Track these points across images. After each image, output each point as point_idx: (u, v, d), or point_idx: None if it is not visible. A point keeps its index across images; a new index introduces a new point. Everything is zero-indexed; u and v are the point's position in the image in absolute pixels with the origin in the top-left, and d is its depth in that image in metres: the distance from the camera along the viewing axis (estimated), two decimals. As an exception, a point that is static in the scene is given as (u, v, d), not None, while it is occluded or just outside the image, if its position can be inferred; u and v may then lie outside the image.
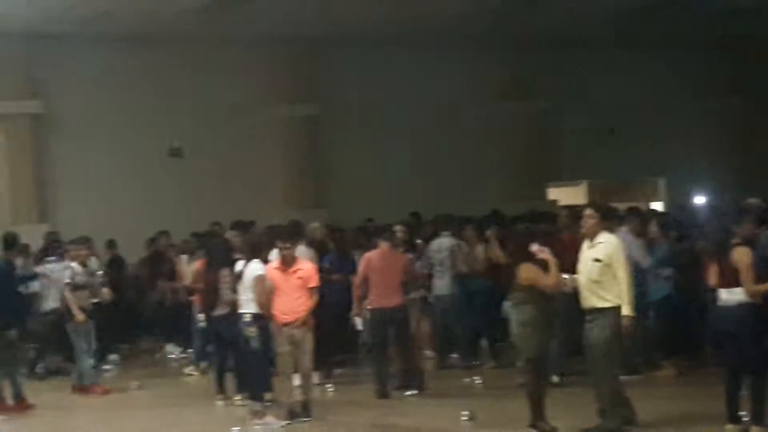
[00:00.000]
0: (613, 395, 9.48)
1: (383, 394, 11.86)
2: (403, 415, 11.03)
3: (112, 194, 19.76)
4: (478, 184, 21.91)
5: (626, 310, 9.36)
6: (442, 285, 13.86)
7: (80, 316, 13.20)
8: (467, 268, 13.84)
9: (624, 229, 12.28)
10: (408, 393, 11.93)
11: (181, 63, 20.52)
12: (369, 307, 12.09)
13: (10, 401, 12.24)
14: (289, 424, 10.62)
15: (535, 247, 9.45)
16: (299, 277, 10.81)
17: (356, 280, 12.32)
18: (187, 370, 14.51)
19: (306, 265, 11.05)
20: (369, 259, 12.16)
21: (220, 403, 11.92)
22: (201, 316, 12.32)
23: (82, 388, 13.31)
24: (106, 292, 14.27)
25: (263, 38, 20.55)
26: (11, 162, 19.56)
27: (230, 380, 12.04)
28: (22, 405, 12.26)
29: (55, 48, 19.51)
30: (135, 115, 20.19)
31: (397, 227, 13.52)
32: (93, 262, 14.87)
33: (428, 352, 14.57)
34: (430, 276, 14.05)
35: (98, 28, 18.84)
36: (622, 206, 15.69)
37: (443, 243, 13.99)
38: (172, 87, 20.45)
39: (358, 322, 12.18)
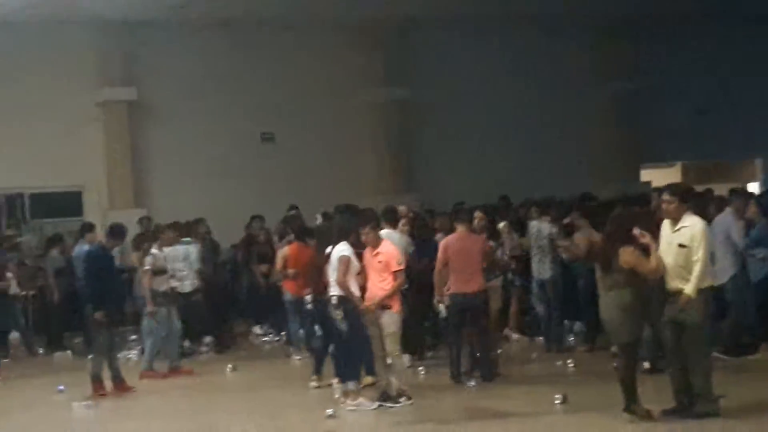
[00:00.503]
0: (707, 378, 9.35)
1: (456, 379, 11.76)
2: (495, 398, 11.00)
3: (205, 179, 20.06)
4: (570, 167, 21.70)
5: (689, 290, 9.20)
6: (542, 269, 13.80)
7: (151, 308, 13.55)
8: (567, 252, 13.61)
9: (729, 209, 12.26)
10: (471, 383, 11.71)
11: (273, 48, 20.73)
12: (448, 292, 11.86)
13: (108, 383, 12.43)
14: (380, 406, 10.69)
15: (636, 231, 9.33)
16: (380, 261, 10.84)
17: (437, 265, 12.00)
18: (297, 356, 14.47)
19: (387, 249, 10.98)
20: (447, 244, 11.94)
21: (313, 384, 11.97)
22: (308, 299, 12.35)
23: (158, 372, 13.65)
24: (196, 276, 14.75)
25: (355, 22, 20.64)
26: (108, 148, 20.00)
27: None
28: (121, 387, 12.48)
29: (149, 35, 19.90)
30: (228, 101, 20.46)
31: (477, 213, 13.44)
32: (191, 248, 15.32)
33: (515, 335, 14.53)
34: (518, 259, 13.99)
35: (191, 14, 19.18)
36: (719, 187, 15.48)
37: (543, 227, 13.91)
38: (264, 72, 20.68)
39: (442, 309, 11.91)
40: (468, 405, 10.81)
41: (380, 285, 10.80)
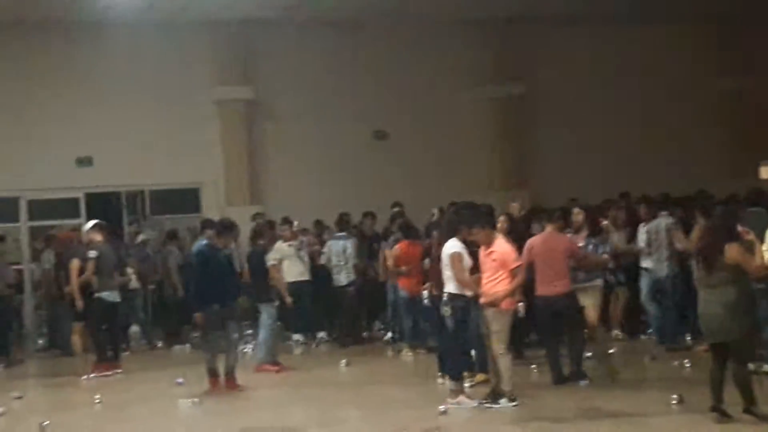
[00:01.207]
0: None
1: (559, 381, 11.53)
2: (609, 398, 10.88)
3: (319, 176, 20.30)
4: (687, 163, 21.32)
5: None
6: (659, 266, 13.61)
7: (288, 299, 13.94)
8: (684, 248, 13.27)
9: None
10: (583, 382, 11.52)
11: (386, 46, 20.86)
12: (536, 294, 11.64)
13: (222, 378, 12.45)
14: (481, 404, 10.66)
15: (740, 228, 9.18)
16: (494, 260, 10.77)
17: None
18: (404, 352, 14.68)
19: (501, 247, 10.83)
20: (531, 245, 11.75)
21: (440, 381, 11.89)
22: (425, 294, 12.43)
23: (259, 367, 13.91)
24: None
25: (467, 18, 20.62)
26: (225, 146, 20.39)
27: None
28: (230, 384, 12.42)
29: (265, 35, 20.24)
30: (342, 99, 20.65)
31: (575, 209, 13.27)
32: (348, 243, 16.07)
33: (618, 333, 14.36)
34: (622, 257, 13.83)
35: (306, 13, 19.41)
36: None
37: (660, 223, 13.72)
38: (376, 70, 20.83)
39: (521, 309, 11.60)
40: (578, 404, 10.67)
41: (494, 283, 10.74)
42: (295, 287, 15.81)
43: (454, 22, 20.75)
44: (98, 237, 14.49)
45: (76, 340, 14.75)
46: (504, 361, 10.73)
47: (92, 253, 14.20)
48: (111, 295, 14.34)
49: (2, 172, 18.88)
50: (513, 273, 10.70)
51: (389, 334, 16.11)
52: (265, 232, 15.05)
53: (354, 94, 20.78)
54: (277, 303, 14.26)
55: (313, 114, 20.63)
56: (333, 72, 20.67)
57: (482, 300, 10.76)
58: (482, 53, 21.43)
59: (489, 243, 10.85)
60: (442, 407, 10.43)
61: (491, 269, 10.76)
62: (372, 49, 20.88)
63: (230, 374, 12.47)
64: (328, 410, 11.19)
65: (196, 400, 11.77)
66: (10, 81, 19.00)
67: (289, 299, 14.57)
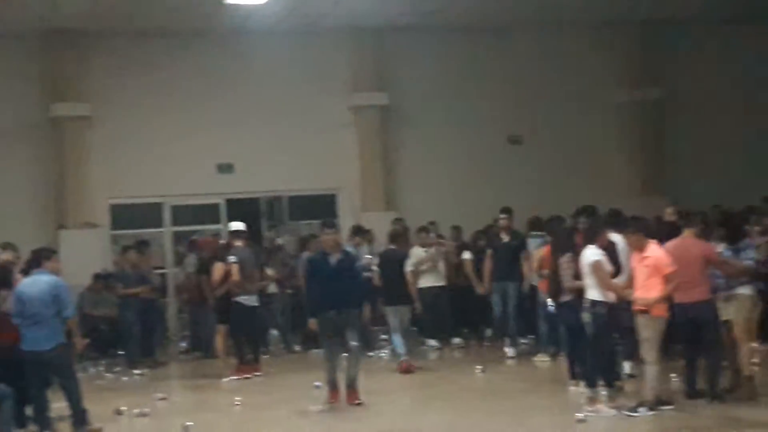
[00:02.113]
0: None
1: (691, 396, 10.97)
2: (752, 407, 10.54)
3: (454, 181, 20.34)
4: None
5: None
6: None
7: (418, 305, 14.34)
8: None
9: None
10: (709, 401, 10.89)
11: (520, 50, 20.78)
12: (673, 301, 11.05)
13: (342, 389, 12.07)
14: (619, 411, 10.51)
15: None
16: (647, 265, 10.58)
17: None
18: (537, 357, 14.64)
19: (655, 252, 10.64)
20: (665, 250, 11.17)
21: (572, 389, 11.80)
22: (550, 301, 12.39)
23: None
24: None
25: (603, 22, 20.39)
26: (361, 152, 20.58)
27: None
28: (350, 396, 11.91)
29: (400, 41, 20.36)
30: (476, 104, 20.65)
31: (668, 209, 12.88)
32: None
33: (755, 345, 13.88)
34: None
35: (441, 19, 19.46)
36: None
37: None
38: (511, 75, 20.78)
39: None
40: (720, 413, 10.39)
41: (644, 290, 10.53)
42: (432, 293, 15.92)
43: (591, 26, 20.53)
44: (239, 242, 14.81)
45: (219, 343, 15.07)
46: (651, 370, 10.53)
47: (232, 258, 14.51)
48: (249, 300, 14.61)
49: (147, 179, 19.45)
50: (666, 279, 10.47)
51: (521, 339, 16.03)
52: (401, 237, 15.14)
53: (488, 99, 20.74)
54: (412, 307, 14.41)
55: (447, 119, 20.67)
56: (468, 77, 20.69)
57: (635, 306, 10.62)
58: (619, 57, 21.16)
59: (641, 248, 10.68)
60: (579, 415, 10.32)
61: (644, 275, 10.57)
62: (507, 54, 20.81)
63: (351, 386, 11.92)
64: (462, 416, 11.18)
65: (333, 402, 11.87)
66: (154, 90, 19.52)
67: (419, 305, 14.67)
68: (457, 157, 20.61)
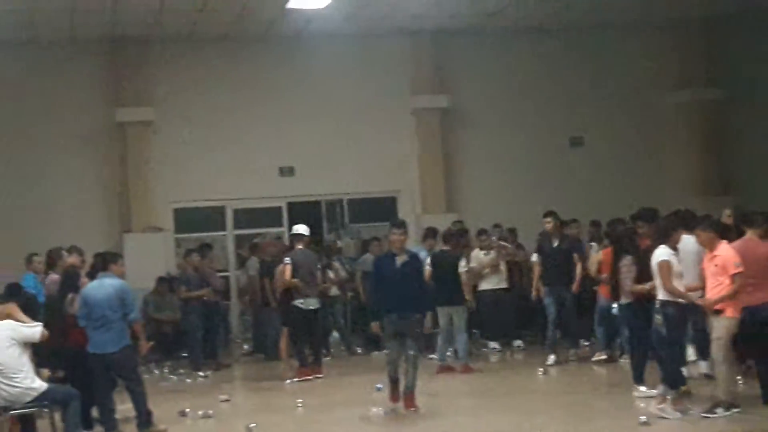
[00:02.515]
0: None
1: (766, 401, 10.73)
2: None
3: (515, 183, 20.28)
4: None
5: None
6: None
7: (471, 305, 14.36)
8: None
9: None
10: None
11: (580, 52, 20.67)
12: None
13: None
14: (684, 414, 10.41)
15: None
16: (716, 264, 10.44)
17: None
18: (595, 357, 14.60)
19: (724, 252, 10.47)
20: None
21: (635, 393, 11.64)
22: (614, 304, 12.31)
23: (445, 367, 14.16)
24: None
25: (662, 22, 20.23)
26: (421, 154, 20.60)
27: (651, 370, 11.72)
28: (407, 402, 11.73)
29: (460, 44, 20.38)
30: (537, 106, 20.60)
31: (726, 211, 12.61)
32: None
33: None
34: None
35: (501, 22, 19.44)
36: None
37: None
38: (572, 76, 20.69)
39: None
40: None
41: (717, 289, 10.39)
42: (494, 295, 15.90)
43: (651, 26, 20.38)
44: (300, 245, 14.90)
45: (283, 345, 15.17)
46: (722, 370, 10.40)
47: (287, 260, 14.62)
48: (307, 302, 14.68)
49: (210, 183, 19.66)
50: (732, 278, 10.30)
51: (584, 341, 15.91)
52: (453, 238, 15.12)
53: (549, 101, 20.68)
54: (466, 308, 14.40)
55: (508, 121, 20.65)
56: (528, 79, 20.64)
57: (706, 306, 10.52)
58: (679, 57, 20.98)
59: (712, 247, 10.56)
60: (642, 418, 10.24)
61: (713, 274, 10.46)
62: (568, 56, 20.73)
63: (408, 392, 11.70)
64: (525, 419, 11.12)
65: (394, 402, 11.87)
66: (217, 95, 19.74)
67: (472, 304, 14.65)
68: (518, 159, 20.57)
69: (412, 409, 11.67)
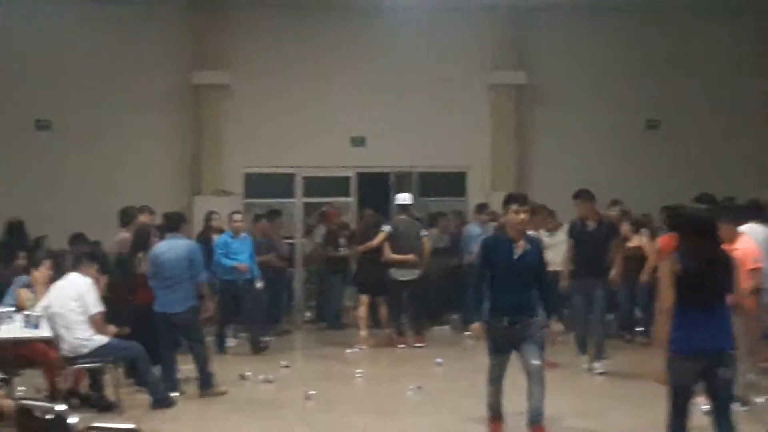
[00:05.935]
0: None
1: None
2: None
3: (586, 163, 20.05)
4: None
5: None
6: None
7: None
8: None
9: None
10: None
11: (661, 32, 20.41)
12: None
13: None
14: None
15: None
16: (735, 257, 10.20)
17: None
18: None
19: (744, 245, 10.11)
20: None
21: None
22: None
23: None
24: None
25: (748, 6, 19.84)
26: (494, 130, 20.45)
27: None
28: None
29: (538, 20, 20.19)
30: (611, 86, 20.36)
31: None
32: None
33: None
34: None
35: (581, -1, 19.21)
36: None
37: None
38: (651, 57, 20.39)
39: None
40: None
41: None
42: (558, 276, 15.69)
43: (735, 9, 19.97)
44: (403, 215, 15.02)
45: (362, 313, 15.21)
46: (741, 365, 10.04)
47: (385, 228, 14.71)
48: (403, 273, 14.81)
49: (281, 150, 19.74)
50: (749, 274, 9.99)
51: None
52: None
53: (627, 82, 20.41)
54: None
55: (584, 100, 20.42)
56: (605, 58, 20.39)
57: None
58: (763, 42, 20.53)
59: (731, 240, 10.18)
60: (704, 407, 10.07)
61: None
62: (646, 36, 20.43)
63: (536, 421, 9.66)
64: (585, 401, 11.06)
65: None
66: (292, 62, 19.77)
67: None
68: (591, 139, 20.35)
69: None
